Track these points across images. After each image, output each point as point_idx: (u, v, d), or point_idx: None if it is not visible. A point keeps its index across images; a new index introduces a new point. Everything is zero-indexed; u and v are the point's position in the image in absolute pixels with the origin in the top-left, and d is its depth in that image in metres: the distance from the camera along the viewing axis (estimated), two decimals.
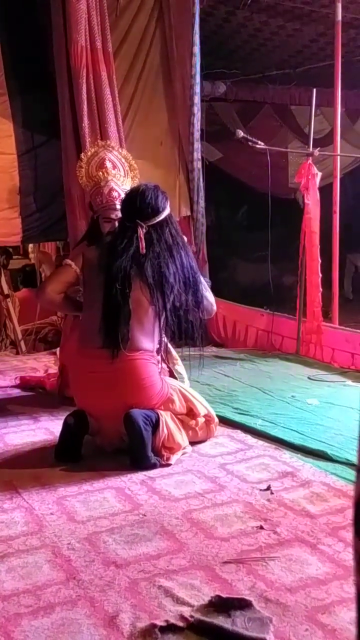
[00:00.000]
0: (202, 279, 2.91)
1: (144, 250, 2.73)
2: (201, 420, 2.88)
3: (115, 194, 3.45)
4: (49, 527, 2.14)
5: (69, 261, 3.06)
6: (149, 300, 2.72)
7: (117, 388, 2.68)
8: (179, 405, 2.80)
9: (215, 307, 3.04)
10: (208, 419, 2.91)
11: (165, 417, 2.72)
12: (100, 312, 2.71)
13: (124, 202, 2.93)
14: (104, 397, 2.69)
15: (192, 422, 2.85)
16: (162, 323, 2.77)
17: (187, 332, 2.91)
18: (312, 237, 4.64)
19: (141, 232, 2.75)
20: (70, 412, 2.78)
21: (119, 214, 3.45)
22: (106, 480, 2.50)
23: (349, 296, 8.31)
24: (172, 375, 3.02)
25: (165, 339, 2.94)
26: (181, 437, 2.77)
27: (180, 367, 3.08)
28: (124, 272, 2.71)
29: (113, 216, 3.44)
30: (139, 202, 2.82)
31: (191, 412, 2.85)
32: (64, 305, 3.15)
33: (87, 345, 2.77)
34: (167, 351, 3.02)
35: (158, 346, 2.82)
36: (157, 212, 2.78)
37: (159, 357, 2.83)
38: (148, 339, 2.75)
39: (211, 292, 3.01)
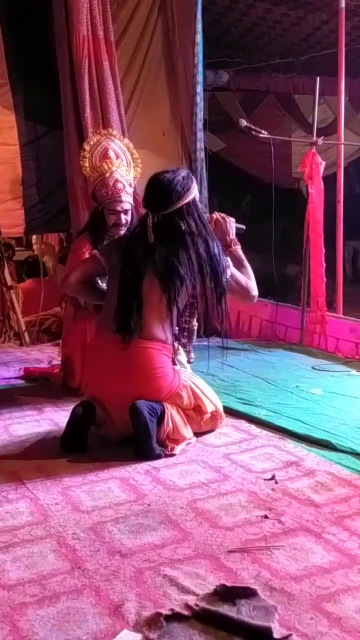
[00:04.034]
0: (229, 269, 2.83)
1: (152, 239, 2.72)
2: (207, 416, 2.88)
3: (120, 185, 3.44)
4: (53, 517, 2.14)
5: (95, 252, 3.08)
6: (161, 289, 2.71)
7: (127, 374, 2.68)
8: (187, 402, 2.80)
9: (254, 293, 2.96)
10: (214, 415, 2.91)
11: (171, 410, 2.72)
12: (117, 298, 2.72)
13: (145, 189, 2.88)
14: (114, 382, 2.70)
15: (198, 418, 2.85)
16: (173, 314, 2.76)
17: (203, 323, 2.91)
18: (316, 227, 4.63)
19: (149, 221, 2.74)
20: (78, 403, 2.79)
21: (124, 206, 3.45)
22: (111, 471, 2.51)
23: (350, 277, 8.38)
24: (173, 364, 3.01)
25: (194, 327, 2.94)
26: (186, 430, 2.77)
27: (182, 357, 3.07)
28: (134, 260, 2.72)
29: (118, 208, 3.44)
30: (153, 191, 2.78)
31: (198, 409, 2.84)
32: (87, 293, 3.15)
33: (102, 329, 2.79)
34: (191, 340, 3.01)
35: (173, 336, 2.81)
36: (170, 201, 2.72)
37: (173, 347, 2.82)
38: (162, 329, 2.74)
39: (249, 277, 2.95)
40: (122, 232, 3.42)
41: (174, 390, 2.74)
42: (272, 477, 2.40)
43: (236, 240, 3.04)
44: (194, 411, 2.84)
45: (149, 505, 2.21)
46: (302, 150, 6.28)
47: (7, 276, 5.24)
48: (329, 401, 3.35)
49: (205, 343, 3.12)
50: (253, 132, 4.51)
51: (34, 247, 7.26)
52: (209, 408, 2.86)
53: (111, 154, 3.53)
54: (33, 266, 6.47)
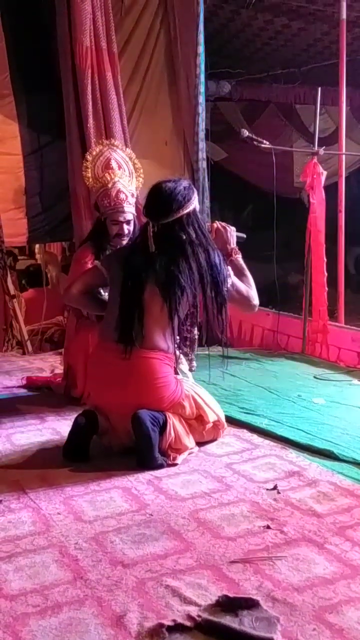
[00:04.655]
0: (230, 278, 2.83)
1: (153, 249, 2.73)
2: (209, 425, 2.88)
3: (122, 196, 3.46)
4: (56, 526, 2.14)
5: (97, 262, 3.07)
6: (162, 299, 2.72)
7: (130, 384, 2.68)
8: (189, 412, 2.79)
9: (255, 302, 2.95)
10: (216, 424, 2.91)
11: (173, 419, 2.72)
12: (118, 308, 2.73)
13: (146, 198, 2.88)
14: (116, 391, 2.70)
15: (200, 428, 2.85)
16: (174, 323, 2.77)
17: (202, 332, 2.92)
18: (318, 236, 4.64)
19: (150, 230, 2.75)
20: (81, 412, 2.79)
21: (127, 216, 3.46)
22: (113, 480, 2.51)
23: (352, 271, 8.48)
24: (175, 373, 3.01)
25: (195, 335, 2.94)
26: (188, 440, 2.77)
27: (183, 366, 3.08)
28: (135, 270, 2.73)
29: (121, 219, 3.46)
30: (154, 199, 2.78)
31: (200, 418, 2.84)
32: (89, 304, 3.15)
33: (105, 339, 2.80)
34: (193, 349, 3.01)
35: (175, 345, 2.82)
36: (171, 210, 2.72)
37: (175, 356, 2.82)
38: (164, 338, 2.74)
39: (250, 286, 2.95)
40: (124, 242, 3.43)
41: (176, 400, 2.75)
42: (274, 487, 2.40)
43: (237, 249, 3.05)
44: (196, 421, 2.83)
45: (151, 515, 2.21)
46: (303, 160, 6.31)
47: (9, 285, 5.26)
48: (331, 411, 3.35)
49: (207, 352, 3.12)
50: (255, 142, 4.52)
51: (37, 256, 7.29)
52: (211, 417, 2.86)
53: (113, 164, 3.54)
54: (34, 275, 6.48)
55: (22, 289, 6.45)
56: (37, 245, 6.87)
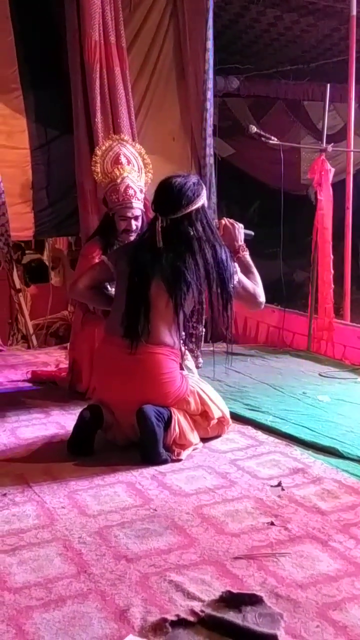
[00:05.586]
0: (237, 275, 2.83)
1: (160, 244, 2.73)
2: (214, 422, 2.88)
3: (131, 191, 3.45)
4: (60, 520, 2.14)
5: (104, 257, 3.08)
6: (167, 294, 2.72)
7: (135, 379, 2.69)
8: (194, 408, 2.79)
9: (261, 299, 2.96)
10: (221, 420, 2.91)
11: (178, 415, 2.72)
12: (124, 303, 2.73)
13: (154, 193, 2.88)
14: (121, 386, 2.70)
15: (205, 424, 2.85)
16: (180, 319, 2.77)
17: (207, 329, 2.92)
18: (324, 234, 4.62)
19: (158, 225, 2.74)
20: (86, 406, 2.79)
21: (135, 212, 3.46)
22: (117, 475, 2.51)
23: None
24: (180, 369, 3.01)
25: (201, 332, 2.94)
26: (193, 436, 2.77)
27: (189, 362, 3.08)
28: (142, 265, 2.73)
29: (129, 214, 3.45)
30: (163, 194, 2.78)
31: (205, 414, 2.84)
32: (96, 298, 3.15)
33: (111, 334, 2.80)
34: (198, 346, 3.01)
35: (180, 341, 2.82)
36: (180, 205, 2.72)
37: (181, 352, 2.82)
38: (169, 334, 2.74)
39: (257, 284, 2.95)
40: (132, 238, 3.43)
41: (181, 395, 2.75)
42: (279, 484, 2.40)
43: (244, 247, 3.04)
44: (201, 417, 2.84)
45: (155, 510, 2.21)
46: (311, 156, 6.29)
47: (15, 279, 5.26)
48: (335, 408, 3.35)
49: (212, 348, 3.11)
50: (263, 139, 4.51)
51: (45, 252, 7.27)
52: (216, 414, 2.86)
53: (123, 159, 3.54)
54: (35, 271, 6.46)
55: (25, 284, 6.45)
56: (46, 243, 6.86)
